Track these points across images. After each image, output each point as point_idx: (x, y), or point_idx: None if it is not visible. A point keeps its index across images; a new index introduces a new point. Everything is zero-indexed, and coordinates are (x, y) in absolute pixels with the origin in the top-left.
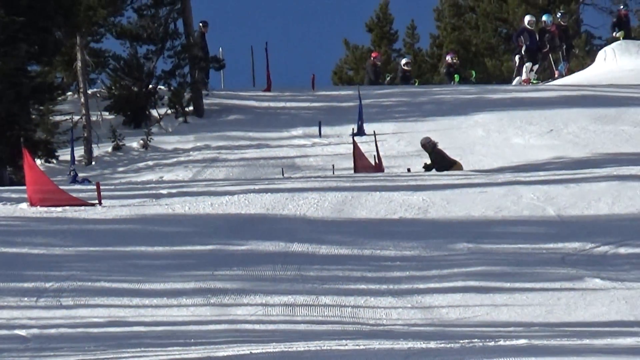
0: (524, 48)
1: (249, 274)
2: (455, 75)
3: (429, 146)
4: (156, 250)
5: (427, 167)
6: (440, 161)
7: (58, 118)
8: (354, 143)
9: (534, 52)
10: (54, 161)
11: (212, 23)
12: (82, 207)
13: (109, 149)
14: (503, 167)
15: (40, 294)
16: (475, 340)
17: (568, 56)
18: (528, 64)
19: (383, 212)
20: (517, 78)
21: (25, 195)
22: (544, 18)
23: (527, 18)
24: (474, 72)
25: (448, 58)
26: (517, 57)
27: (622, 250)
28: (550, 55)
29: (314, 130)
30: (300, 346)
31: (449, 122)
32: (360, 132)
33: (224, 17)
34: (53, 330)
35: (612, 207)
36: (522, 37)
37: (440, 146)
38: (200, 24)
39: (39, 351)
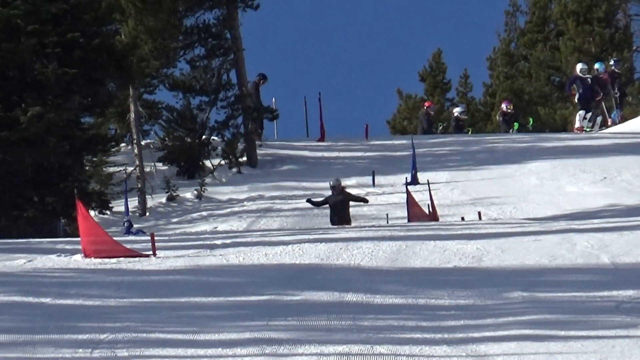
0: (576, 96)
1: (304, 324)
2: (515, 123)
3: (339, 188)
4: (210, 301)
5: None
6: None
7: (112, 169)
8: (408, 192)
9: (587, 100)
10: (108, 212)
11: (262, 68)
12: (137, 258)
13: (163, 200)
14: (557, 215)
15: (95, 346)
16: None
17: (621, 104)
18: (581, 112)
19: (437, 261)
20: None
21: (80, 247)
22: (597, 66)
23: (579, 66)
24: (531, 120)
25: (503, 106)
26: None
27: None
28: (603, 103)
29: (368, 179)
30: None
31: (502, 170)
32: (414, 181)
33: (277, 68)
34: None
35: None
36: (574, 85)
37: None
38: (258, 77)
39: None
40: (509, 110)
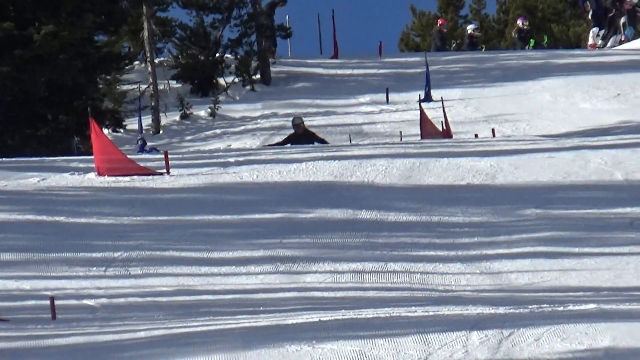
0: (590, 13)
1: (317, 241)
2: (531, 40)
3: (302, 127)
4: (224, 219)
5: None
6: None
7: (125, 87)
8: (421, 109)
9: (600, 17)
10: (122, 130)
11: None
12: (150, 177)
13: (177, 118)
14: (570, 132)
15: (109, 264)
16: (544, 305)
17: (635, 20)
18: (594, 29)
19: (451, 178)
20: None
21: (93, 165)
22: None
23: None
24: (545, 37)
25: (519, 22)
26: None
27: None
28: (619, 19)
29: (382, 97)
30: (369, 313)
31: (516, 87)
32: (428, 98)
33: None
34: (121, 300)
35: None
36: (587, 1)
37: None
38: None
39: (107, 320)
40: (525, 27)
